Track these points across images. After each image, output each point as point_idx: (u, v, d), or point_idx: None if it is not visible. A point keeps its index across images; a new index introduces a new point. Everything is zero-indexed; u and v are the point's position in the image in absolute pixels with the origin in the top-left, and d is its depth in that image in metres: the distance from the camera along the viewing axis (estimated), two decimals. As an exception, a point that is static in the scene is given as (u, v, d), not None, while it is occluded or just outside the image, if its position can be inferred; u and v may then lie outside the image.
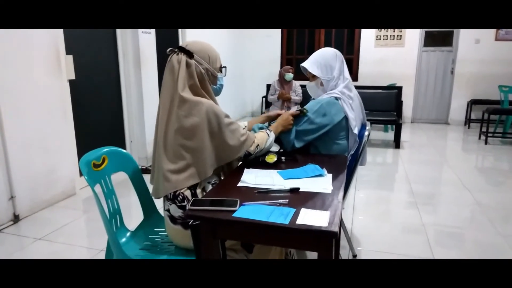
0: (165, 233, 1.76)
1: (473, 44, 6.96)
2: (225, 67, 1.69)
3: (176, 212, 1.52)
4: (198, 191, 1.55)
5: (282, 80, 5.49)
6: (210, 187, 1.59)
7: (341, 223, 2.38)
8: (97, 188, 1.53)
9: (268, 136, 1.77)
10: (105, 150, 1.67)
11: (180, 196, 1.50)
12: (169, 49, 1.56)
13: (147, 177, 1.74)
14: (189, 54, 1.52)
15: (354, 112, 2.04)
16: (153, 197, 1.62)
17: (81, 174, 3.48)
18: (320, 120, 1.95)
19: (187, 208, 1.44)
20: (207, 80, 1.56)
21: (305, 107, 2.00)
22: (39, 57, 2.95)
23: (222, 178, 1.73)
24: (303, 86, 5.41)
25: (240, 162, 1.79)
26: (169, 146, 1.49)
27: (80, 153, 3.44)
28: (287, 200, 1.28)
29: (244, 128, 1.69)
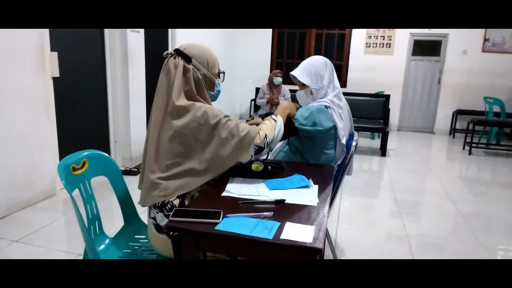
0: (146, 240, 1.71)
1: (461, 54, 7.06)
2: (223, 72, 1.63)
3: (163, 220, 1.46)
4: (186, 200, 1.50)
5: (271, 84, 5.47)
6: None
7: (326, 233, 2.37)
8: (76, 192, 1.48)
9: (275, 121, 1.62)
10: (86, 153, 1.61)
11: (168, 205, 1.45)
12: (166, 52, 1.50)
13: (129, 180, 1.69)
14: (187, 58, 1.47)
15: (343, 122, 2.03)
16: (139, 205, 1.56)
17: (62, 174, 3.40)
18: (310, 126, 1.94)
19: None
20: (204, 86, 1.51)
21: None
22: (22, 53, 2.86)
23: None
24: (292, 91, 5.41)
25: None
26: (162, 153, 1.43)
27: (62, 153, 3.35)
28: (272, 212, 1.25)
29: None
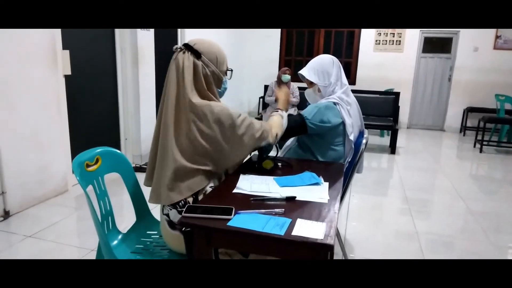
0: (157, 236, 1.73)
1: (472, 52, 6.98)
2: (231, 70, 1.63)
3: (176, 217, 1.45)
4: (200, 196, 1.51)
5: (280, 81, 5.46)
6: None
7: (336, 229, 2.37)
8: (89, 188, 1.50)
9: (282, 117, 1.76)
10: (99, 150, 1.64)
11: (181, 202, 1.45)
12: (176, 46, 1.49)
13: (139, 176, 1.70)
14: (197, 54, 1.46)
15: (352, 119, 2.04)
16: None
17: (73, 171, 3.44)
18: (318, 122, 1.95)
19: None
20: (212, 82, 1.50)
21: (303, 111, 1.99)
22: (35, 51, 2.90)
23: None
24: (300, 88, 5.40)
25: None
26: (183, 150, 1.42)
27: (74, 150, 3.40)
28: (283, 209, 1.26)
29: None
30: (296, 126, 1.95)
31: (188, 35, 5.21)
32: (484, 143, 5.76)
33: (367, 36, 7.37)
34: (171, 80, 1.45)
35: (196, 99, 1.42)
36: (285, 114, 1.76)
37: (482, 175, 4.76)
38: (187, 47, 1.47)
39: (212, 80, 1.50)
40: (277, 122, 1.69)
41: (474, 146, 6.02)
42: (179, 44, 1.51)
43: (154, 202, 1.49)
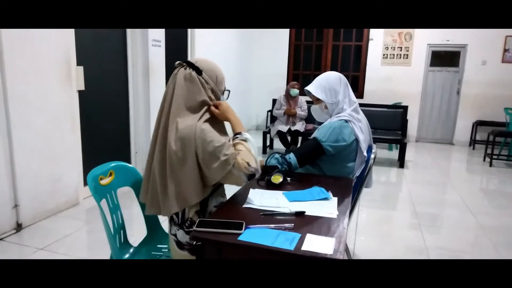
0: (167, 250, 1.76)
1: (480, 65, 6.97)
2: (228, 90, 1.64)
3: (184, 238, 1.49)
4: (206, 216, 1.53)
5: (288, 95, 5.54)
6: None
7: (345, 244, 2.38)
8: (102, 202, 1.54)
9: (246, 140, 1.52)
10: (113, 164, 1.68)
11: (188, 222, 1.48)
12: (178, 62, 1.53)
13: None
14: (198, 70, 1.50)
15: (363, 134, 2.06)
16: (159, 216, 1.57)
17: (85, 184, 3.50)
18: (333, 142, 1.97)
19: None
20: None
21: (316, 134, 2.01)
22: (51, 67, 2.99)
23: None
24: (308, 102, 5.44)
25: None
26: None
27: (86, 163, 3.46)
28: (293, 224, 1.28)
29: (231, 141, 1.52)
30: (313, 150, 1.99)
31: (198, 51, 5.31)
32: (494, 157, 5.72)
33: (375, 50, 7.42)
34: (168, 93, 1.50)
35: (182, 123, 1.41)
36: (247, 135, 1.54)
37: (492, 189, 4.72)
38: (189, 64, 1.51)
39: (210, 97, 1.51)
40: (244, 151, 1.46)
41: (484, 160, 5.97)
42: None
43: (165, 214, 1.49)
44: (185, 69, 1.49)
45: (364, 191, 4.06)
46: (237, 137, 1.53)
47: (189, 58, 5.15)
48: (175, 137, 1.40)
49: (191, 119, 1.43)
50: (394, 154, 6.19)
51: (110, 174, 1.65)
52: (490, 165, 5.63)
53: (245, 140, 1.52)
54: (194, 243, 1.25)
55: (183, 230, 1.49)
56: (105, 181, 1.61)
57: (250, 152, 1.47)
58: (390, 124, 5.89)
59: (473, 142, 7.11)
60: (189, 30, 5.22)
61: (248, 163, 1.41)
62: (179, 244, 1.51)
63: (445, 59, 7.28)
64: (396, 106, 6.30)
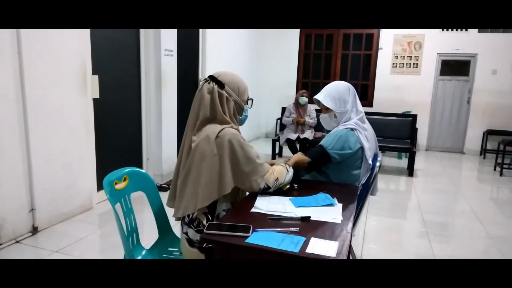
0: (178, 252, 1.82)
1: (490, 74, 6.96)
2: (252, 99, 1.76)
3: (195, 236, 1.57)
4: (213, 218, 1.61)
5: (297, 104, 5.60)
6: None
7: (351, 251, 2.41)
8: (117, 206, 1.61)
9: (287, 171, 1.79)
10: (127, 170, 1.77)
11: (196, 221, 1.57)
12: (202, 77, 1.65)
13: (162, 195, 1.82)
14: (221, 84, 1.60)
15: (369, 143, 2.11)
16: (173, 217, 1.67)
17: (98, 189, 3.60)
18: (339, 150, 2.03)
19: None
20: (234, 110, 1.64)
21: (323, 142, 2.07)
22: (68, 76, 3.10)
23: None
24: (318, 110, 5.49)
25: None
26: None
27: (99, 169, 3.56)
28: (298, 228, 1.34)
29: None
30: (319, 157, 2.04)
31: (209, 60, 5.40)
32: (505, 166, 5.68)
33: (384, 59, 7.45)
34: (194, 107, 1.62)
35: (211, 128, 1.56)
36: (291, 171, 1.82)
37: (502, 199, 4.69)
38: (212, 78, 1.61)
39: (234, 108, 1.63)
40: (280, 169, 1.75)
41: (495, 169, 5.94)
42: (200, 71, 1.63)
43: (178, 215, 1.59)
44: (209, 83, 1.60)
45: (373, 199, 4.09)
46: (285, 164, 1.82)
47: (199, 68, 5.29)
48: (204, 137, 1.53)
49: (219, 127, 1.56)
50: (404, 162, 6.19)
51: (125, 179, 1.74)
52: (501, 174, 5.60)
53: (287, 171, 1.78)
54: (204, 245, 1.32)
55: (192, 229, 1.57)
56: (119, 185, 1.70)
57: (284, 176, 1.74)
58: (399, 132, 5.91)
59: (483, 151, 7.06)
60: (200, 39, 5.33)
61: (276, 179, 1.68)
62: (190, 242, 1.59)
63: (455, 68, 7.27)
64: (405, 114, 6.31)
